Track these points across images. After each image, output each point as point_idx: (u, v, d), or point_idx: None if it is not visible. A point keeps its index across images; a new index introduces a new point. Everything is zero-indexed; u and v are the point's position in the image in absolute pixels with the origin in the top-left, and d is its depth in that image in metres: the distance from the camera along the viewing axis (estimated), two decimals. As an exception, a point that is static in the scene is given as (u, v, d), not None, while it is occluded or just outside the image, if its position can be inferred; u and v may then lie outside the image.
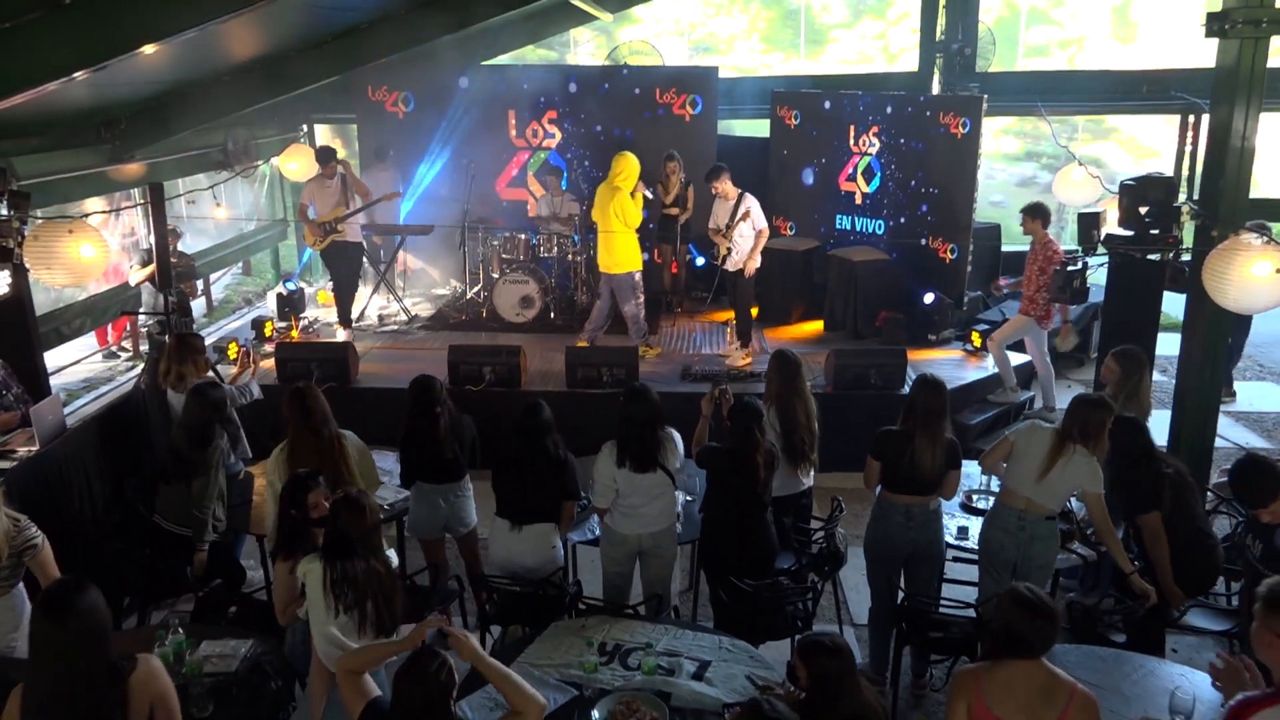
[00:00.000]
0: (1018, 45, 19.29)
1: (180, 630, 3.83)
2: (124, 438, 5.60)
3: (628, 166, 8.19)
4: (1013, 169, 20.57)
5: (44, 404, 5.37)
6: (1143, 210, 5.70)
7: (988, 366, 8.34)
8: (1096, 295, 8.00)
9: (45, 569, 3.81)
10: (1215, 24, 5.40)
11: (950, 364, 8.43)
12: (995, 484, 5.28)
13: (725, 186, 8.11)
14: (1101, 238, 5.88)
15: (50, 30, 5.33)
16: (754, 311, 8.76)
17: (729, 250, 8.19)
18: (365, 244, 9.50)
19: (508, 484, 4.78)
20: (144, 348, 9.88)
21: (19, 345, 6.05)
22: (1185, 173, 11.22)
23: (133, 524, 5.05)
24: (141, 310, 7.35)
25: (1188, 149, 11.25)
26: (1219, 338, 5.90)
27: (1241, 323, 8.74)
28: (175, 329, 6.26)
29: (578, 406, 7.18)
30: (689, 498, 5.34)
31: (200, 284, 11.33)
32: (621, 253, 8.16)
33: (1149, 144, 19.52)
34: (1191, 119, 11.12)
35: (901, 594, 4.84)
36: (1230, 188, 5.49)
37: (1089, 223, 5.86)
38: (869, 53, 21.86)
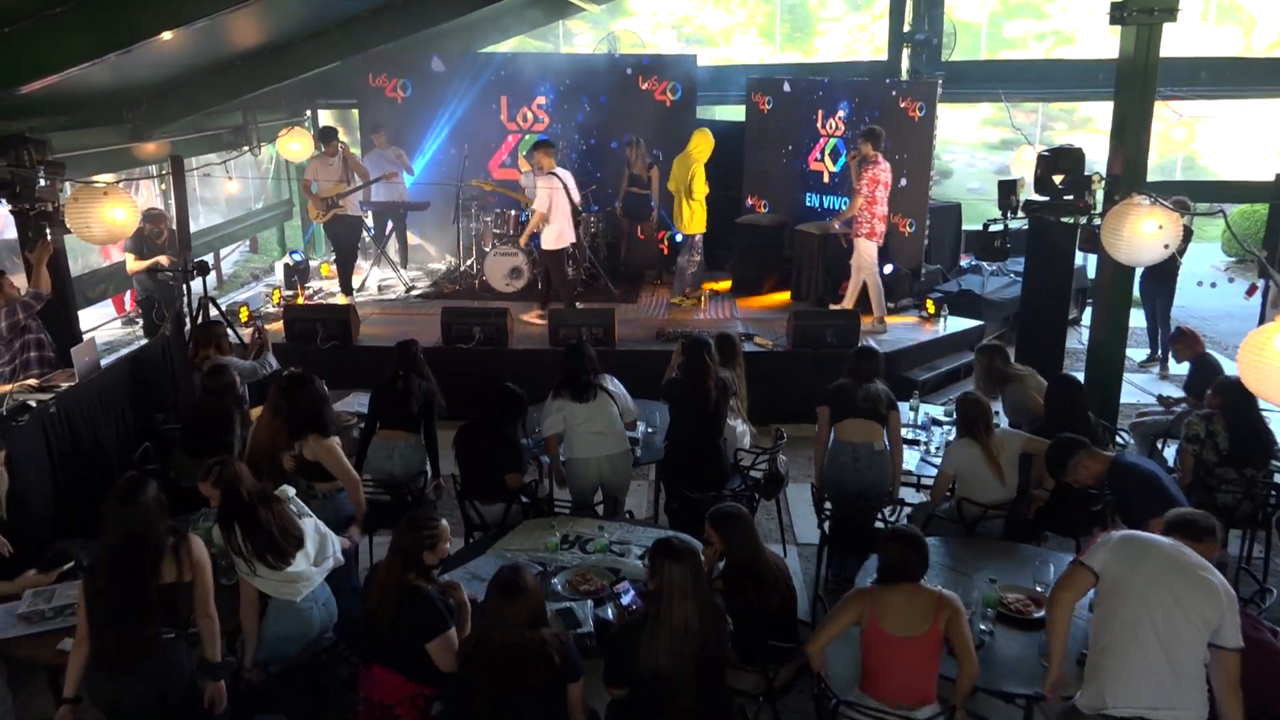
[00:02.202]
0: (982, 39, 20.02)
1: (210, 518, 4.55)
2: (152, 376, 6.31)
3: (703, 141, 9.27)
4: (992, 157, 21.28)
5: (81, 346, 6.09)
6: (1057, 179, 6.40)
7: (938, 330, 9.06)
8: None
9: None
10: (1116, 13, 6.11)
11: (904, 328, 9.15)
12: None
13: (543, 160, 8.96)
14: (1020, 203, 6.60)
15: (78, 19, 6.09)
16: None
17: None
18: (364, 219, 10.23)
19: (463, 454, 5.40)
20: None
21: (56, 300, 6.72)
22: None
23: (162, 448, 5.75)
24: (165, 269, 8.01)
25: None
26: (1124, 293, 6.62)
27: (1164, 295, 9.48)
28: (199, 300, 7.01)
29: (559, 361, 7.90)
30: (650, 429, 6.08)
31: (210, 258, 12.03)
32: (688, 215, 9.37)
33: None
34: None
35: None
36: (1131, 158, 6.20)
37: (1007, 189, 6.58)
38: (855, 45, 22.56)
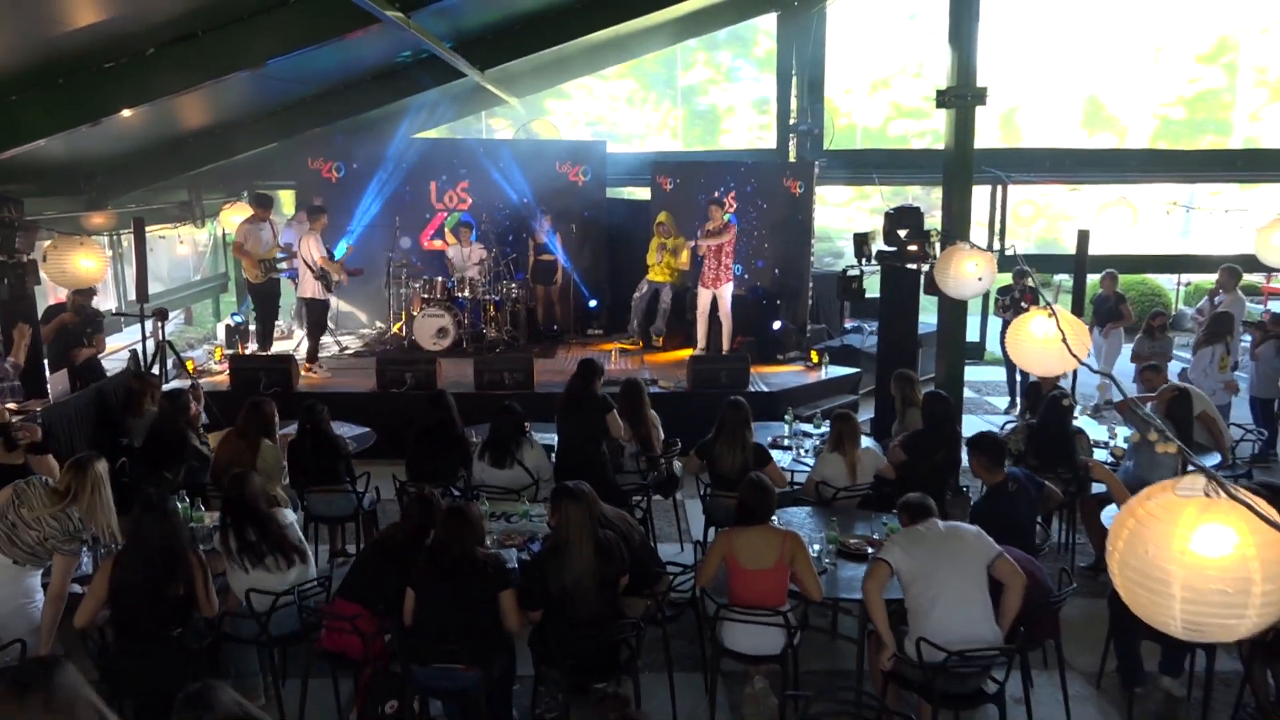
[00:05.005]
0: (858, 135, 22.30)
1: (187, 499, 5.37)
2: (114, 406, 7.07)
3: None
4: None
5: (55, 375, 6.88)
6: (902, 233, 7.71)
7: (821, 375, 10.27)
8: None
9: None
10: (941, 98, 7.55)
11: (791, 375, 10.33)
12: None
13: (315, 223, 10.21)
14: (873, 253, 7.89)
15: (52, 97, 7.09)
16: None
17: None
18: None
19: (416, 455, 6.35)
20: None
21: (30, 353, 7.44)
22: (997, 229, 13.65)
23: (129, 464, 6.50)
24: (122, 312, 8.66)
25: (997, 212, 13.71)
26: (959, 328, 7.91)
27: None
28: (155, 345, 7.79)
29: (483, 402, 8.84)
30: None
31: (151, 323, 12.67)
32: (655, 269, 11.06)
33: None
34: (1000, 189, 13.59)
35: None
36: (956, 213, 7.56)
37: (861, 240, 7.87)
38: (754, 141, 24.57)
